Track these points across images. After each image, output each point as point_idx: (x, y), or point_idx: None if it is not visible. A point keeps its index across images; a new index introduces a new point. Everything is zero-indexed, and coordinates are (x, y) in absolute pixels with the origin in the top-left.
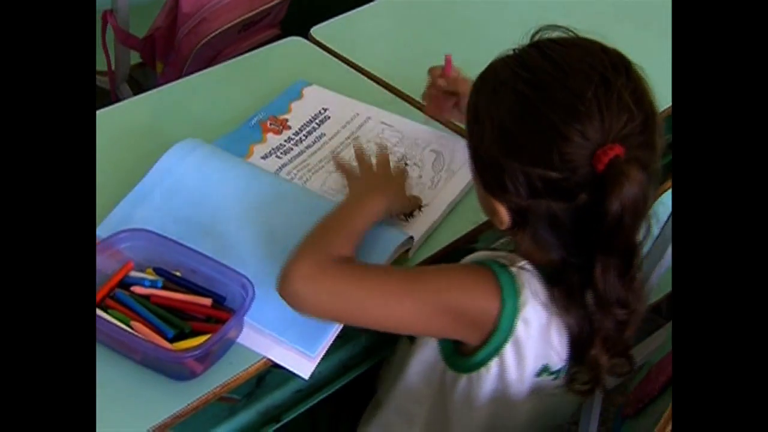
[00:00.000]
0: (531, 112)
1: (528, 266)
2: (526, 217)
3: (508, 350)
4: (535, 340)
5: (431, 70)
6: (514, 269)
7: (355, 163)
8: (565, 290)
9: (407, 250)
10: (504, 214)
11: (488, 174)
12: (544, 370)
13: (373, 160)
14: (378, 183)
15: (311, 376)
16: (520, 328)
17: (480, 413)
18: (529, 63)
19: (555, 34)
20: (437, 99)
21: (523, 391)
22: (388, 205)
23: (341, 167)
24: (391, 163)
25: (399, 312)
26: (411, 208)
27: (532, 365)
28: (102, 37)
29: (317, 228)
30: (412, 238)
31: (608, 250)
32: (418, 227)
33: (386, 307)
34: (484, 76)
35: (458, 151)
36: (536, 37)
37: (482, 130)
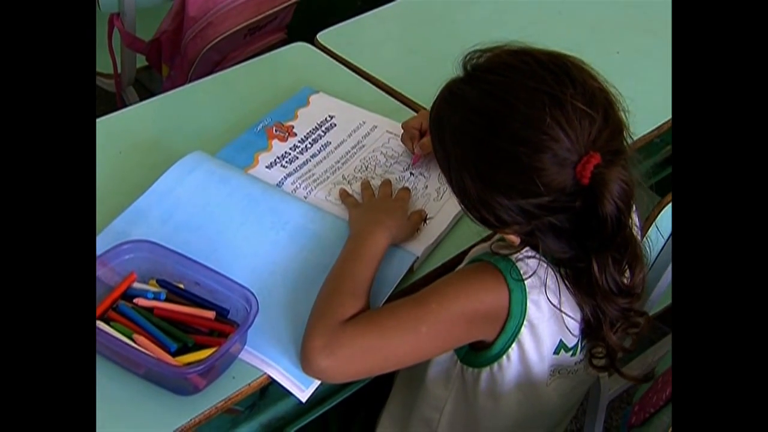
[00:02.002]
0: (501, 155)
1: (530, 253)
2: (533, 233)
3: (525, 333)
4: (548, 320)
5: (405, 129)
6: (513, 257)
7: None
8: (574, 276)
9: (412, 265)
10: (513, 238)
11: (483, 215)
12: (561, 346)
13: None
14: (379, 217)
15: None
16: (531, 310)
17: (507, 402)
18: (475, 104)
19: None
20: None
21: (545, 371)
22: (391, 239)
23: (344, 199)
24: (394, 182)
25: (419, 341)
26: (414, 233)
27: (549, 343)
28: (108, 41)
29: (326, 290)
30: (417, 257)
31: (605, 248)
32: (422, 241)
33: (406, 344)
34: (438, 126)
35: None
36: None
37: (461, 178)
